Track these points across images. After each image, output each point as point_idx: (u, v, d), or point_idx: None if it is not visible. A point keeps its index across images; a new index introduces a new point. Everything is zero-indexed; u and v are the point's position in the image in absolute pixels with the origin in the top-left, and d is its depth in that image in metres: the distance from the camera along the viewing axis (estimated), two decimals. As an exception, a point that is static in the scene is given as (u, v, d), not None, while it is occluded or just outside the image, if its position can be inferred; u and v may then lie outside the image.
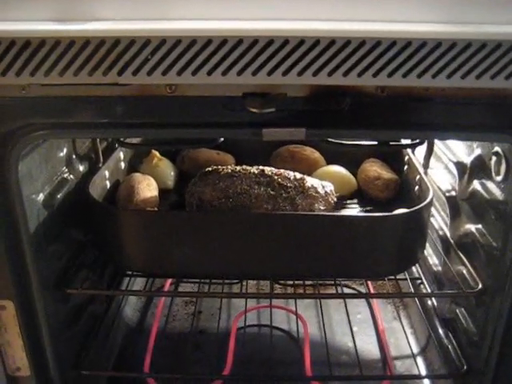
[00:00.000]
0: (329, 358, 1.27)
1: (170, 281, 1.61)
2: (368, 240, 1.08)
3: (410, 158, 1.34)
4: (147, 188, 1.28)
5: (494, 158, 1.00)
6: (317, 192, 1.18)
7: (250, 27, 0.70)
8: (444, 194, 1.32)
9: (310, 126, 0.81)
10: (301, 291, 1.46)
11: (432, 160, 1.35)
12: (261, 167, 1.22)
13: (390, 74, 0.72)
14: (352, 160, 1.43)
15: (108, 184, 1.29)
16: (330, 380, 1.26)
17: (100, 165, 1.28)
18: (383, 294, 1.62)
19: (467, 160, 1.17)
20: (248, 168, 1.22)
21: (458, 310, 1.22)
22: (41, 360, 1.03)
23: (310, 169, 1.41)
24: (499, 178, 0.99)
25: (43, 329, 1.00)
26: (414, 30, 0.70)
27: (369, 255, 1.10)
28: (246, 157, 1.40)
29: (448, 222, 1.31)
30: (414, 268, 1.51)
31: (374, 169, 1.38)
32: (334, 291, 1.48)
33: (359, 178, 1.41)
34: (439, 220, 1.40)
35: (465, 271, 1.17)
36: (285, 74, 0.72)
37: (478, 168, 1.11)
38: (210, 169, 1.25)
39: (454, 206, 1.26)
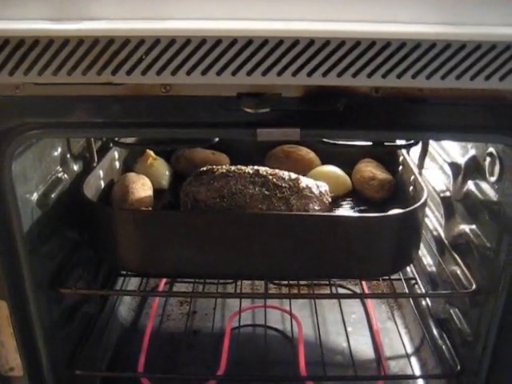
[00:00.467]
0: (323, 358, 1.27)
1: (164, 281, 1.61)
2: (362, 240, 1.09)
3: (404, 159, 1.34)
4: (142, 188, 1.28)
5: (488, 159, 1.01)
6: (311, 192, 1.18)
7: (244, 27, 0.69)
8: (438, 195, 1.32)
9: (305, 127, 0.81)
10: (295, 291, 1.46)
11: (427, 160, 1.36)
12: (256, 167, 1.23)
13: (385, 75, 0.72)
14: (347, 160, 1.43)
15: (102, 184, 1.29)
16: (324, 380, 1.25)
17: (94, 164, 1.28)
18: (378, 294, 1.62)
19: (461, 161, 1.17)
20: (243, 168, 1.22)
21: (451, 311, 1.22)
22: (34, 360, 1.02)
23: (304, 169, 1.41)
24: (493, 179, 0.99)
25: (37, 329, 0.99)
26: (408, 30, 0.70)
27: (363, 255, 1.10)
28: (241, 157, 1.40)
29: (442, 223, 1.32)
30: (408, 268, 1.52)
31: (369, 169, 1.38)
32: (329, 291, 1.47)
33: (354, 179, 1.41)
34: (434, 220, 1.40)
35: (459, 271, 1.17)
36: (279, 74, 0.72)
37: (473, 169, 1.11)
38: (204, 169, 1.25)
39: (449, 206, 1.27)
